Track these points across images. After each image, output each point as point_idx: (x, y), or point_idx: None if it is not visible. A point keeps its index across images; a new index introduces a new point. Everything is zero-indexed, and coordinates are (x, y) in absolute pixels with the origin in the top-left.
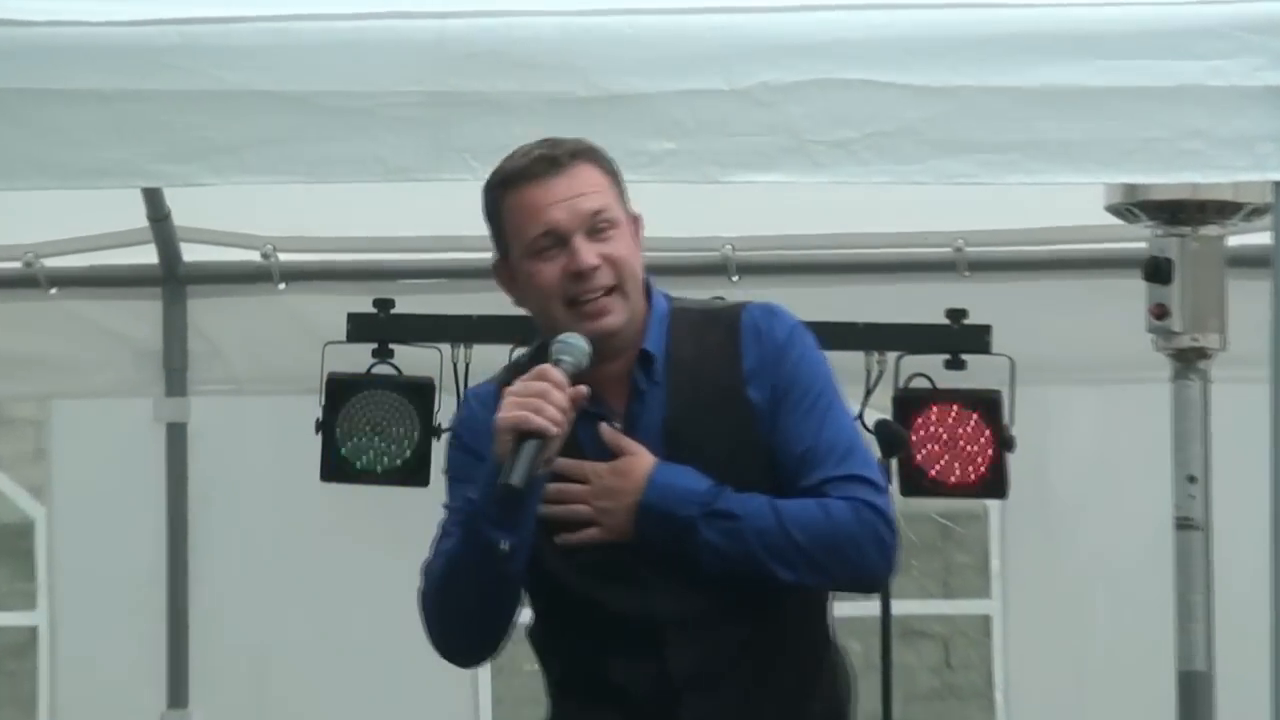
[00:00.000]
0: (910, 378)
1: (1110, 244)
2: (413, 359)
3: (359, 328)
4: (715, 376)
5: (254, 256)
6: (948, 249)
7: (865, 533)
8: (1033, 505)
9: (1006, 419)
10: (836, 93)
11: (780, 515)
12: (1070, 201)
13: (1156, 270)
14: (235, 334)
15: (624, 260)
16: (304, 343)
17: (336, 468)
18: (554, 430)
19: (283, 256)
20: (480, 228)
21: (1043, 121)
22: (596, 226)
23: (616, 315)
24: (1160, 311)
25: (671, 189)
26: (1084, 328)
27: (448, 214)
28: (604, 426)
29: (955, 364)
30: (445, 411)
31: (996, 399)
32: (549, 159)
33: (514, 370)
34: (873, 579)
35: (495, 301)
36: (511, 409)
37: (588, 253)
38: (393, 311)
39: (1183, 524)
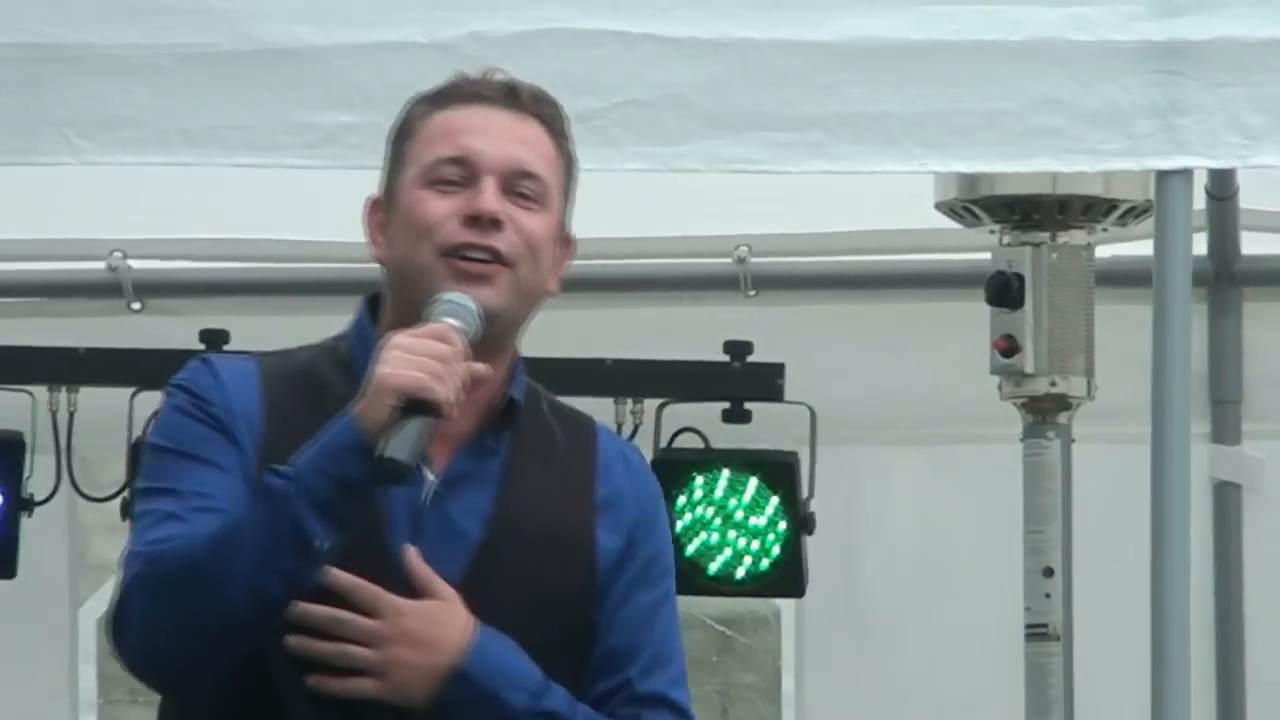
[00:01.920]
0: (676, 434)
1: (942, 254)
2: None
3: None
4: (563, 483)
5: None
6: (726, 259)
7: None
8: (839, 607)
9: (804, 490)
10: (574, 48)
11: None
12: (888, 198)
13: (1003, 290)
14: None
15: (533, 236)
16: None
17: None
18: (451, 410)
19: None
20: (97, 228)
21: (850, 89)
22: (521, 190)
23: (497, 293)
24: (1008, 346)
25: (349, 177)
26: (909, 367)
27: (41, 209)
28: (409, 552)
29: (737, 415)
30: (39, 478)
31: (791, 463)
32: (510, 89)
33: (325, 353)
34: None
35: (111, 330)
36: (404, 367)
37: (496, 200)
38: None
39: (1035, 632)
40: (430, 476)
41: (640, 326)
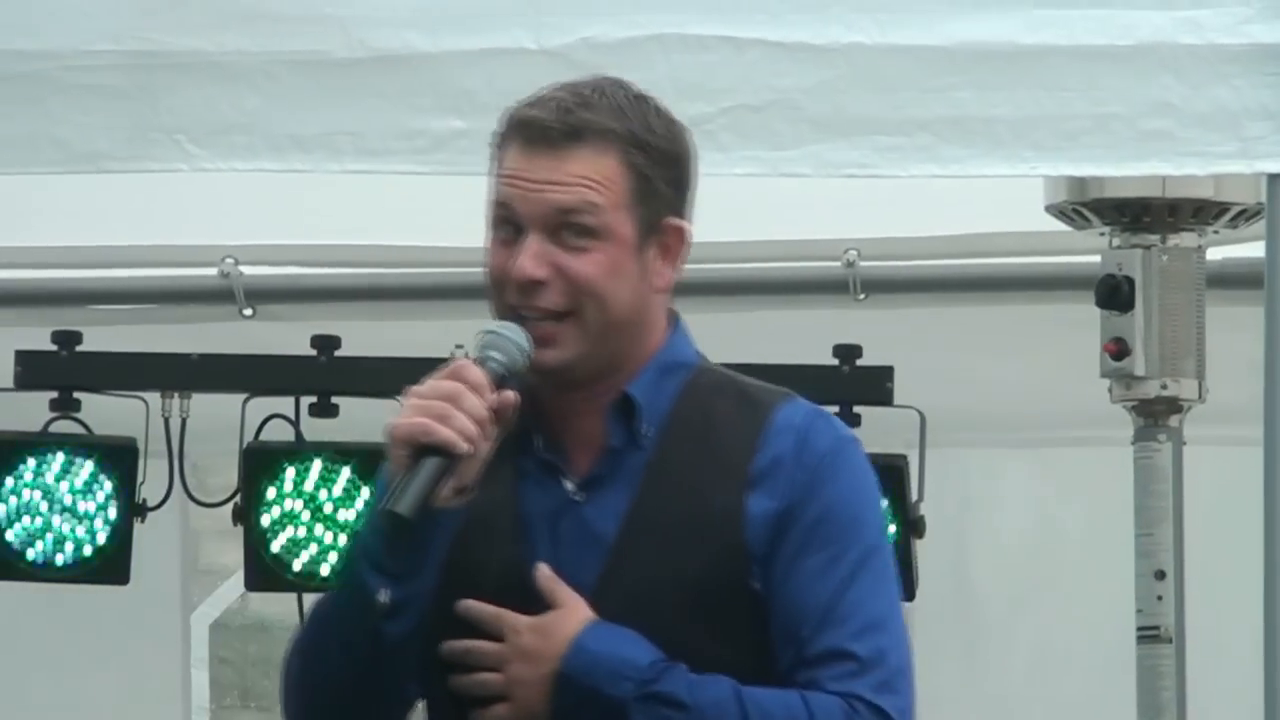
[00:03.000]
0: None
1: (1052, 257)
2: (107, 413)
3: (32, 370)
4: (715, 463)
5: None
6: (835, 263)
7: None
8: (949, 610)
9: (913, 493)
10: (684, 53)
11: (746, 711)
12: (999, 201)
13: (1113, 293)
14: None
15: (589, 281)
16: None
17: (3, 561)
18: (463, 446)
19: None
20: (209, 235)
21: (960, 93)
22: (567, 226)
23: (563, 350)
24: (1118, 349)
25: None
26: (1017, 371)
27: (155, 216)
28: (539, 568)
29: (846, 419)
30: (152, 484)
31: (901, 466)
32: (544, 127)
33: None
34: None
35: (222, 336)
36: (408, 414)
37: (531, 260)
38: (79, 349)
39: (1147, 635)
40: (569, 485)
41: (749, 330)
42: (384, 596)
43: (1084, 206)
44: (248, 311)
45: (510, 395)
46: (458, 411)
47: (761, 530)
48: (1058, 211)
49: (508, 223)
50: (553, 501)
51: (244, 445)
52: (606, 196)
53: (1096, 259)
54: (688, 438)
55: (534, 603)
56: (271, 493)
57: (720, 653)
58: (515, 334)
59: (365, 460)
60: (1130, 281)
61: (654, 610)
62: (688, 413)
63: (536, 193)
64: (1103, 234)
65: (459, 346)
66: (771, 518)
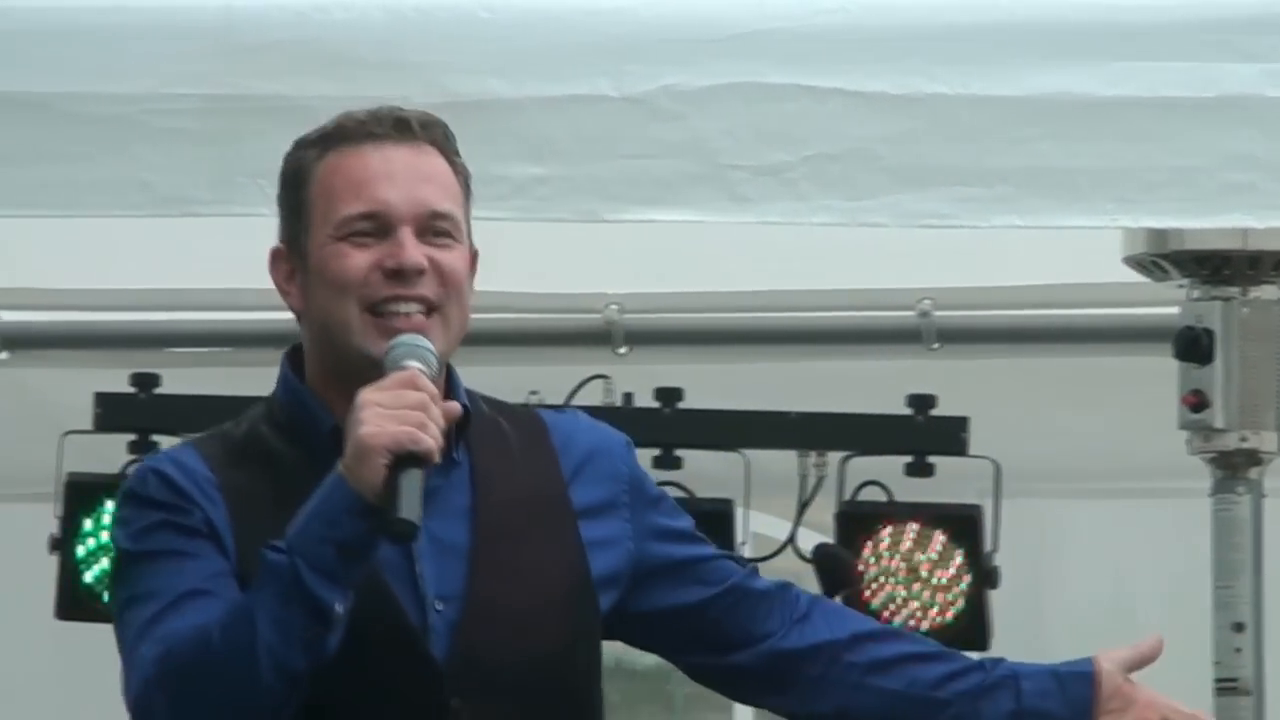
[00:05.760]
0: (860, 486)
1: (1130, 309)
2: None
3: (111, 412)
4: (530, 469)
5: None
6: (910, 313)
7: None
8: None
9: (988, 544)
10: (764, 102)
11: None
12: (1077, 252)
13: (1192, 345)
14: None
15: (456, 275)
16: (33, 431)
17: (77, 601)
18: (438, 458)
19: (4, 315)
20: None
21: (1041, 144)
22: (436, 229)
23: (434, 342)
24: (1197, 401)
25: (541, 229)
26: (1094, 421)
27: (233, 261)
28: None
29: (920, 468)
30: None
31: (975, 516)
32: (398, 120)
33: (221, 441)
34: None
35: None
36: (386, 423)
37: (414, 249)
38: (156, 391)
39: (1226, 687)
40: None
41: (824, 379)
42: (340, 608)
43: (1163, 258)
44: None
45: (455, 406)
46: (429, 420)
47: (596, 525)
48: (1136, 263)
49: (369, 223)
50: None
51: None
52: (457, 206)
53: (1174, 310)
54: (492, 444)
55: (403, 621)
56: None
57: (578, 659)
58: (425, 342)
59: None
60: (1210, 334)
61: (528, 596)
62: (480, 422)
63: (410, 188)
64: (1181, 286)
65: (533, 393)
66: (598, 508)
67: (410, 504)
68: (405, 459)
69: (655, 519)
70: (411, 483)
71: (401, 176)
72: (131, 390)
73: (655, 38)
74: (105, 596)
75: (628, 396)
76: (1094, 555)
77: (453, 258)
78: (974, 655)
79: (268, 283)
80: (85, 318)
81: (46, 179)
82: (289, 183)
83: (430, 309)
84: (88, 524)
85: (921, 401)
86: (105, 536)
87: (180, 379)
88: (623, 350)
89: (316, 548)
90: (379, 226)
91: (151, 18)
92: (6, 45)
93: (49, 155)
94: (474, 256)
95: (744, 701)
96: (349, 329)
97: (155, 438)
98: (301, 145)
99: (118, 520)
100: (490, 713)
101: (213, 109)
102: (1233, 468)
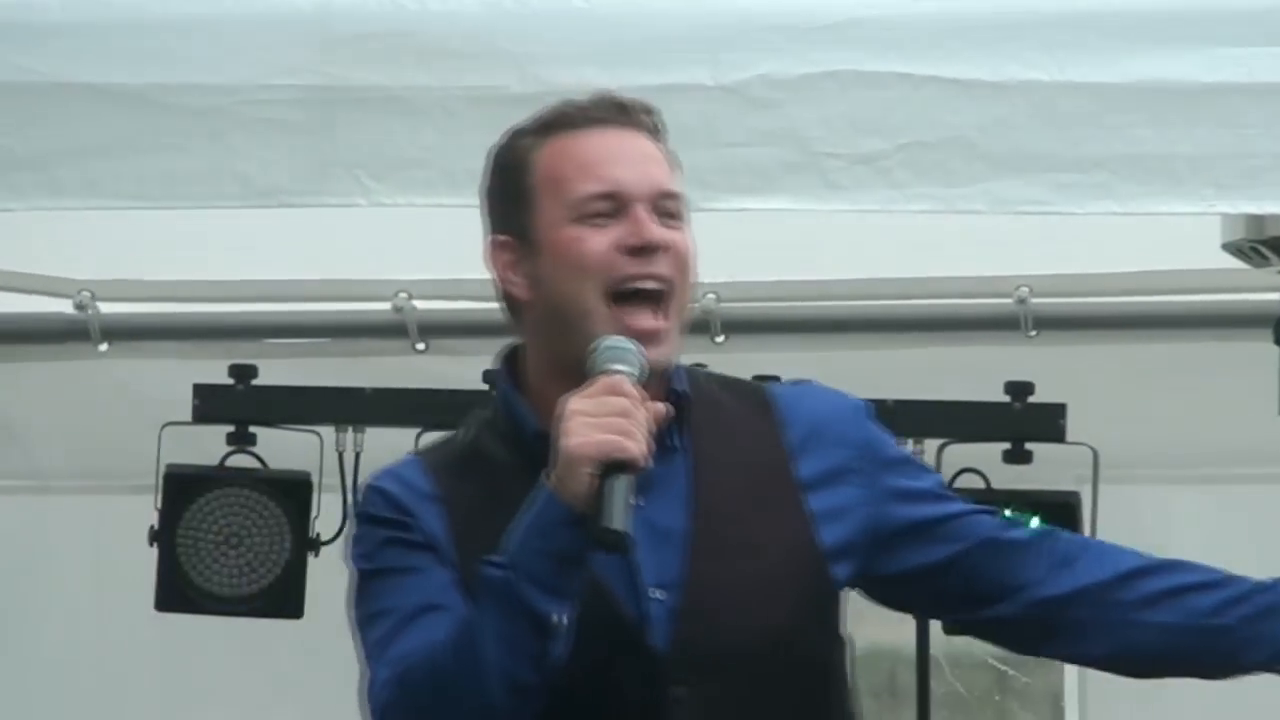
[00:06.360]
0: (957, 474)
1: (1229, 295)
2: (282, 447)
3: (209, 404)
4: (752, 450)
5: (65, 307)
6: (1008, 300)
7: None
8: None
9: (1086, 530)
10: (860, 90)
11: None
12: (1175, 238)
13: None
14: (38, 411)
15: (689, 254)
16: (133, 423)
17: (177, 593)
18: (646, 463)
19: (104, 308)
20: (377, 268)
21: (1138, 130)
22: (666, 210)
23: (667, 346)
24: None
25: None
26: (1193, 408)
27: (332, 251)
28: None
29: (1018, 455)
30: (325, 518)
31: (1073, 503)
32: (620, 105)
33: (446, 450)
34: None
35: (395, 370)
36: (593, 432)
37: (655, 227)
38: (254, 382)
39: None
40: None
41: (921, 367)
42: (559, 617)
43: (1262, 244)
44: (420, 346)
45: (662, 408)
46: (635, 427)
47: (823, 495)
48: (1235, 249)
49: (606, 204)
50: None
51: None
52: (679, 183)
53: (1273, 296)
54: (712, 426)
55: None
56: None
57: (809, 632)
58: (631, 344)
59: None
60: None
61: (745, 590)
62: (701, 404)
63: (642, 167)
64: None
65: None
66: (825, 477)
67: (617, 513)
68: (612, 467)
69: (894, 481)
70: (618, 492)
71: (630, 157)
72: (230, 382)
73: (751, 26)
74: (205, 588)
75: None
76: (1193, 541)
77: (683, 238)
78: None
79: (363, 273)
80: (183, 309)
81: (143, 171)
82: (507, 171)
83: (662, 300)
84: (187, 516)
85: (1019, 388)
86: (204, 528)
87: (278, 370)
88: (720, 339)
89: (532, 561)
90: (615, 206)
91: (248, 9)
92: (102, 38)
93: (145, 147)
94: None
95: (1015, 650)
96: (588, 316)
97: (253, 429)
98: (518, 134)
99: (351, 539)
100: (719, 697)
101: (308, 99)
102: None
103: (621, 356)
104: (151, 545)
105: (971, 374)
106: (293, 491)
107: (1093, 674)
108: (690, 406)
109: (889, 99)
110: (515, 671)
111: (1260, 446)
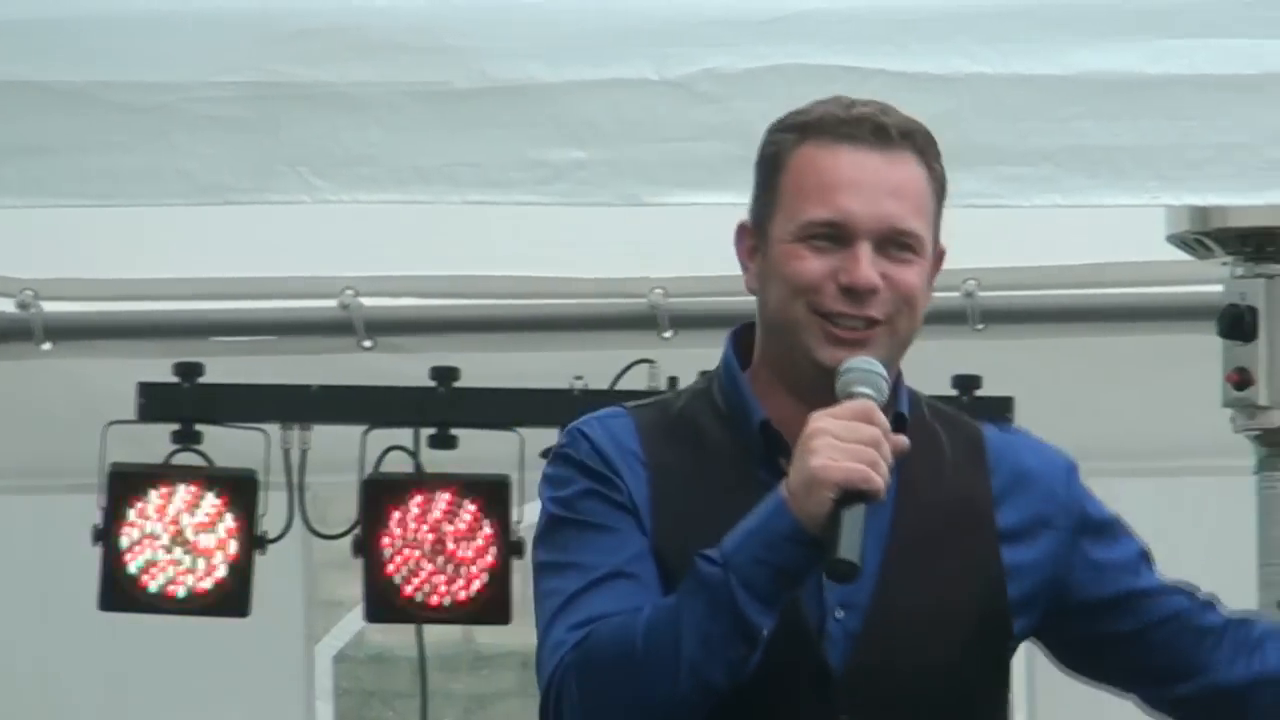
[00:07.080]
0: None
1: (1173, 287)
2: (228, 445)
3: (154, 402)
4: (957, 491)
5: (8, 306)
6: (954, 293)
7: None
8: None
9: None
10: (806, 84)
11: None
12: (1120, 230)
13: (1236, 323)
14: None
15: (912, 293)
16: (77, 421)
17: (121, 592)
18: (884, 496)
19: (47, 306)
20: (323, 265)
21: (1084, 122)
22: (897, 243)
23: (874, 353)
24: (1241, 379)
25: (582, 213)
26: (1137, 400)
27: (277, 248)
28: None
29: None
30: (272, 516)
31: None
32: (877, 125)
33: (657, 413)
34: None
35: (342, 367)
36: (841, 458)
37: (869, 269)
38: (200, 380)
39: None
40: None
41: None
42: (766, 630)
43: (1206, 236)
44: (367, 343)
45: (904, 441)
46: (881, 459)
47: (1020, 550)
48: (1179, 241)
49: (830, 230)
50: None
51: (364, 476)
52: (924, 214)
53: (1218, 288)
54: (925, 458)
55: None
56: (391, 523)
57: (980, 662)
58: (877, 367)
59: (484, 492)
60: (1253, 311)
61: (927, 626)
62: (917, 432)
63: (876, 201)
64: (1225, 264)
65: (578, 378)
66: (1023, 530)
67: (852, 543)
68: (853, 495)
69: (1091, 551)
70: (855, 521)
71: (869, 186)
72: (175, 380)
73: (696, 20)
74: (151, 588)
75: (673, 380)
76: (1141, 534)
77: (909, 274)
78: None
79: (309, 270)
80: (128, 307)
81: (86, 169)
82: (767, 163)
83: (876, 323)
84: (131, 514)
85: (966, 382)
86: (149, 526)
87: (224, 368)
88: (668, 334)
89: (752, 568)
90: (839, 234)
91: (191, 6)
92: (45, 34)
93: (89, 145)
94: (939, 256)
95: None
96: (798, 325)
97: (199, 427)
98: (781, 128)
99: (547, 477)
100: None
101: (252, 96)
102: (1277, 445)
103: (868, 380)
104: (95, 544)
105: (919, 367)
106: (239, 489)
107: (1039, 675)
108: (907, 432)
109: (836, 92)
110: (708, 672)
111: (1204, 439)
